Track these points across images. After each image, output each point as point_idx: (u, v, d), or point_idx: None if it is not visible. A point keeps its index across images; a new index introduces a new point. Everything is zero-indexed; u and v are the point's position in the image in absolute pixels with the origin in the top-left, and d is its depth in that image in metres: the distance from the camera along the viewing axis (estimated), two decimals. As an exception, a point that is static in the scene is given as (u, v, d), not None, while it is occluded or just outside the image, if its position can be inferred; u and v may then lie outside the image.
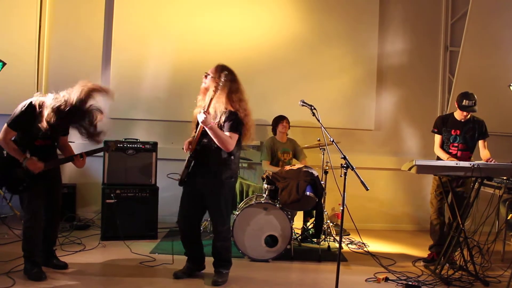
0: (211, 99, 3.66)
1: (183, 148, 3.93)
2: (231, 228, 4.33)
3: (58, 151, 4.11)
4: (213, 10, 6.22)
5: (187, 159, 3.86)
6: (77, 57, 6.09)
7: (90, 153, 4.04)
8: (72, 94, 3.59)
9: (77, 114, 3.61)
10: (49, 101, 3.60)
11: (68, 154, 4.05)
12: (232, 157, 3.83)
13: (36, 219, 3.80)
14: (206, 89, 3.80)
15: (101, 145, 4.14)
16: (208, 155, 3.80)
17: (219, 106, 3.75)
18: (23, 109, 3.65)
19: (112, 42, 6.14)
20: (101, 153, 5.16)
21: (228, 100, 3.76)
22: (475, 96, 4.59)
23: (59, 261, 4.10)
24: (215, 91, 3.64)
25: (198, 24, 6.20)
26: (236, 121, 3.74)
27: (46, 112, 3.55)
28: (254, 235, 4.60)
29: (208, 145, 3.79)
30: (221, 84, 3.65)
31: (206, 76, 3.85)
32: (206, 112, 3.63)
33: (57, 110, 3.53)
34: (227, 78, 3.72)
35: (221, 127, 3.75)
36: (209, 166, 3.81)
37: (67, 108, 3.54)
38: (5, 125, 3.68)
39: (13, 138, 3.73)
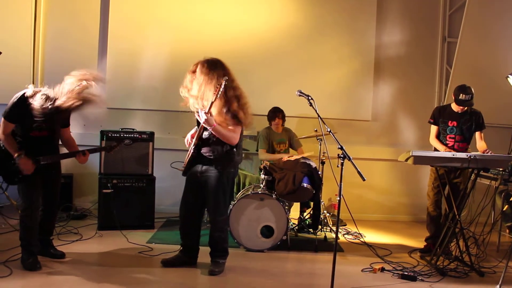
0: (212, 103, 3.62)
1: (184, 137, 3.96)
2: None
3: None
4: (210, 0, 6.18)
5: (190, 149, 3.88)
6: (73, 47, 6.05)
7: (92, 151, 4.04)
8: (61, 98, 3.52)
9: (65, 113, 3.63)
10: (38, 99, 3.53)
11: (72, 148, 4.05)
12: (235, 149, 3.83)
13: (33, 209, 3.80)
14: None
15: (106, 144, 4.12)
16: (210, 146, 3.82)
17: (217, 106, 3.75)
18: (15, 100, 3.63)
19: (109, 31, 6.09)
20: (98, 142, 5.19)
21: (225, 100, 3.73)
22: (472, 90, 4.56)
23: (56, 251, 4.11)
24: (216, 95, 3.58)
25: (196, 14, 6.16)
26: (236, 114, 3.73)
27: (35, 108, 3.52)
28: (250, 225, 4.61)
29: (209, 138, 3.81)
30: (222, 89, 3.59)
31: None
32: (208, 113, 3.63)
33: (43, 110, 3.51)
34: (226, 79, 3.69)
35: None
36: (211, 157, 3.83)
37: (54, 109, 3.52)
38: (2, 118, 3.68)
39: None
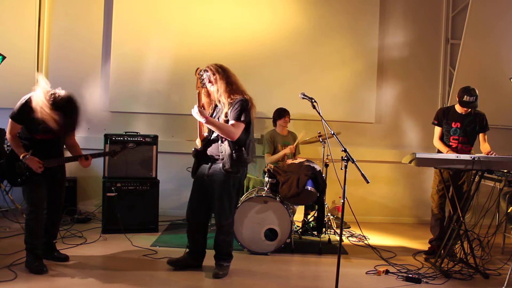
0: (198, 94, 3.77)
1: (188, 140, 3.99)
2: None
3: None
4: (213, 3, 6.20)
5: (196, 151, 3.92)
6: (76, 51, 6.09)
7: (95, 155, 4.06)
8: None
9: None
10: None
11: (76, 153, 4.05)
12: (243, 148, 3.79)
13: (37, 212, 3.81)
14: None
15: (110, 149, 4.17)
16: (217, 147, 3.82)
17: (220, 99, 3.78)
18: (22, 102, 3.68)
19: (112, 35, 6.11)
20: (102, 145, 5.21)
21: (227, 91, 3.77)
22: (476, 92, 4.56)
23: (60, 254, 4.12)
24: (198, 88, 3.77)
25: (199, 17, 6.18)
26: (240, 109, 3.72)
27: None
28: (254, 228, 4.60)
29: (217, 138, 3.82)
30: (202, 80, 3.75)
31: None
32: (199, 106, 3.68)
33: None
34: (212, 72, 3.78)
35: (227, 114, 3.77)
36: (217, 158, 3.82)
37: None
38: (10, 119, 3.74)
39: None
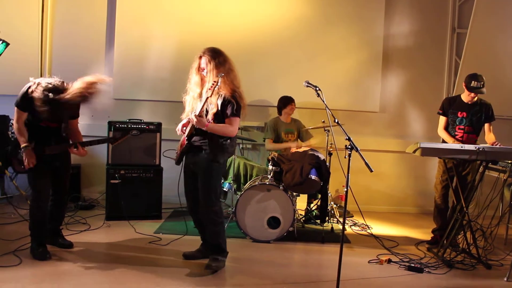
0: (205, 102, 3.62)
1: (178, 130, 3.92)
2: (233, 210, 4.39)
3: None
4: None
5: (183, 138, 3.86)
6: (80, 39, 6.08)
7: (86, 143, 3.98)
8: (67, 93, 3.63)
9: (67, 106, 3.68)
10: (40, 88, 3.63)
11: (75, 139, 4.00)
12: (229, 140, 3.78)
13: (42, 199, 3.84)
14: (201, 70, 3.80)
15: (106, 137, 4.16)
16: (204, 137, 3.73)
17: (212, 99, 3.69)
18: (24, 90, 3.69)
19: (116, 22, 6.09)
20: (105, 133, 5.22)
21: (223, 84, 3.70)
22: (484, 78, 4.53)
23: (64, 240, 4.15)
24: (211, 92, 3.57)
25: (203, 4, 6.14)
26: (234, 103, 3.68)
27: (36, 97, 3.59)
28: (257, 216, 4.61)
29: (203, 130, 3.73)
30: (218, 86, 3.58)
31: (201, 57, 3.81)
32: (198, 115, 3.58)
33: (44, 98, 3.59)
34: (221, 70, 3.67)
35: (219, 111, 3.69)
36: (204, 148, 3.74)
37: (56, 98, 3.59)
38: (15, 107, 3.74)
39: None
